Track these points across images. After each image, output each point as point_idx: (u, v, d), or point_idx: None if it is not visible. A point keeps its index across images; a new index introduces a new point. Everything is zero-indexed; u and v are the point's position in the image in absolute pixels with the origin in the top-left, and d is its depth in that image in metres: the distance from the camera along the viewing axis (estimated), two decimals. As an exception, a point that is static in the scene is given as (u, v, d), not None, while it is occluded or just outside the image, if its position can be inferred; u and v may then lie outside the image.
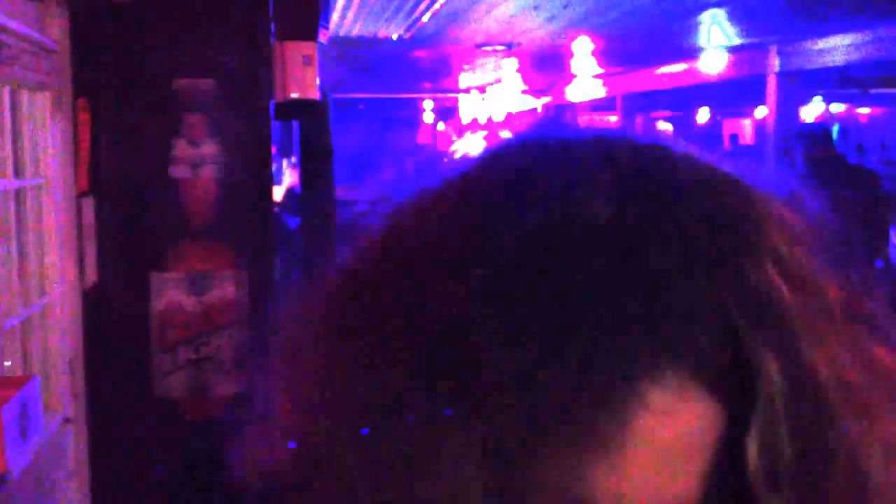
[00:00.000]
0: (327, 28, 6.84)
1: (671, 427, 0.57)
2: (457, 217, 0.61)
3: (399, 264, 0.61)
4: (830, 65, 9.68)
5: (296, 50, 3.92)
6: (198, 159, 3.77)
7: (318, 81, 4.20)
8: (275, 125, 4.14)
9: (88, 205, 3.46)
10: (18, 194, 2.98)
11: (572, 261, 0.56)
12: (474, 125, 17.62)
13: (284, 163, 8.94)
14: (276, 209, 4.37)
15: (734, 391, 0.57)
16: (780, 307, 0.57)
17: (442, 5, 7.26)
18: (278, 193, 6.12)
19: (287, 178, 8.36)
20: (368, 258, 0.65)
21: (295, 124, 5.32)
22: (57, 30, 3.15)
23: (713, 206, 0.59)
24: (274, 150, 4.28)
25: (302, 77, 3.96)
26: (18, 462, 2.29)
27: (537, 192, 0.60)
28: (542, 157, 0.63)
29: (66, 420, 3.21)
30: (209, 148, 3.78)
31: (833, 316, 0.60)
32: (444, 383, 0.56)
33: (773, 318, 0.57)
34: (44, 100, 3.12)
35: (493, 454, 0.56)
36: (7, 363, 2.78)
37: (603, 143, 0.64)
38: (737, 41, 9.57)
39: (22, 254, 2.99)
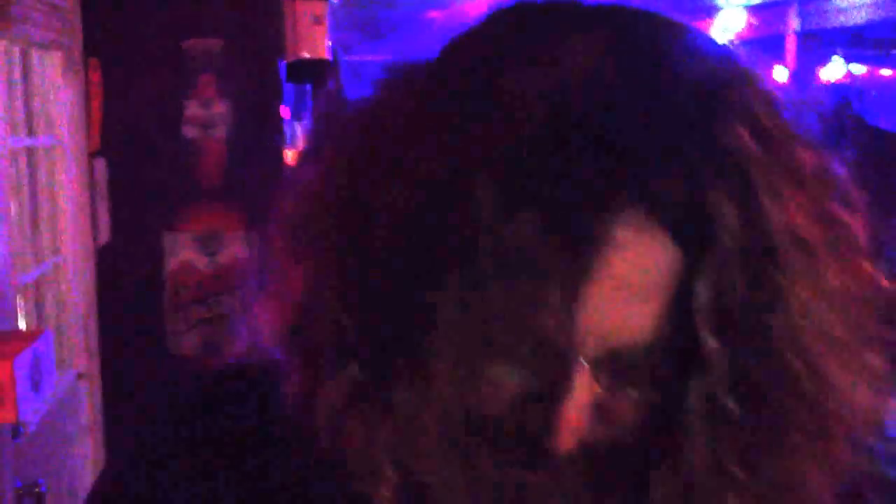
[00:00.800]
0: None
1: (630, 262, 0.60)
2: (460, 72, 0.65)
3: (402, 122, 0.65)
4: (851, 24, 9.58)
5: (306, 9, 3.92)
6: (209, 119, 3.79)
7: (328, 42, 4.21)
8: (288, 88, 4.15)
9: (101, 165, 3.49)
10: (31, 153, 3.02)
11: (554, 108, 0.60)
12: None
13: (297, 126, 8.93)
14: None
15: (692, 237, 0.60)
16: (744, 161, 0.60)
17: (456, -35, 7.20)
18: (292, 157, 6.13)
19: (300, 142, 8.36)
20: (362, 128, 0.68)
21: (308, 88, 5.32)
22: (67, -11, 3.17)
23: (694, 67, 0.63)
24: (288, 113, 4.29)
25: (312, 37, 3.97)
26: (31, 414, 2.34)
27: (535, 44, 0.64)
28: (542, 15, 0.67)
29: (80, 376, 3.27)
30: (220, 108, 3.80)
31: (799, 176, 0.63)
32: (432, 237, 0.60)
33: (736, 170, 0.60)
34: (55, 60, 3.15)
35: (470, 294, 0.59)
36: (21, 320, 2.84)
37: (604, 6, 0.67)
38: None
39: (35, 212, 3.03)
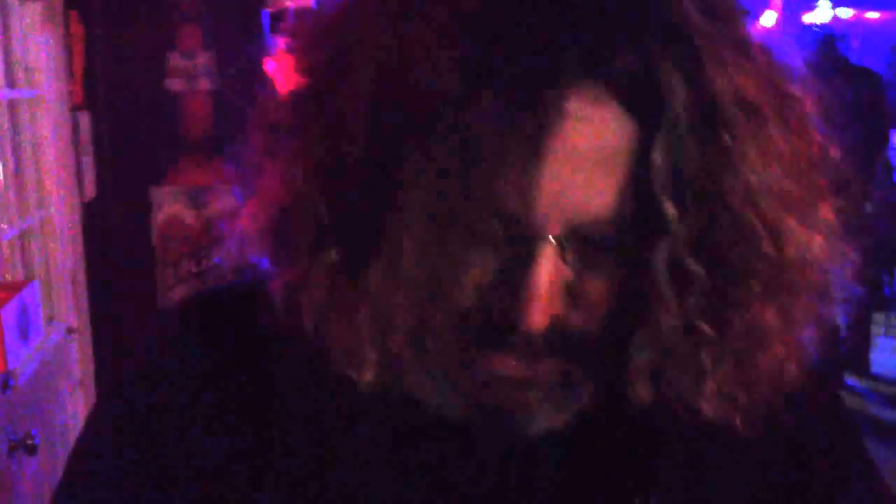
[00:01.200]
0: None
1: (587, 135, 0.63)
2: None
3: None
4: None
5: (288, -43, 3.87)
6: (192, 71, 3.75)
7: (312, -9, 4.16)
8: (272, 40, 4.10)
9: (85, 119, 3.46)
10: (13, 106, 2.98)
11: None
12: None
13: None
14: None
15: (646, 109, 0.63)
16: (690, 32, 0.63)
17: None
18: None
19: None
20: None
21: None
22: (44, -61, 3.12)
23: None
24: (273, 65, 4.24)
25: (294, -15, 3.91)
26: (20, 364, 2.33)
27: None
28: None
29: (70, 330, 3.26)
30: (203, 59, 3.76)
31: (746, 48, 0.66)
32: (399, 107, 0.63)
33: (682, 41, 0.63)
34: (34, 11, 3.10)
35: (434, 173, 0.62)
36: (8, 276, 2.82)
37: None
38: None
39: (18, 166, 3.00)
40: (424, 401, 0.72)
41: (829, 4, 13.16)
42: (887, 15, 15.47)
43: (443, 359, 0.68)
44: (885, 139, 6.16)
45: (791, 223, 0.67)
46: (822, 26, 9.99)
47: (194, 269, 3.94)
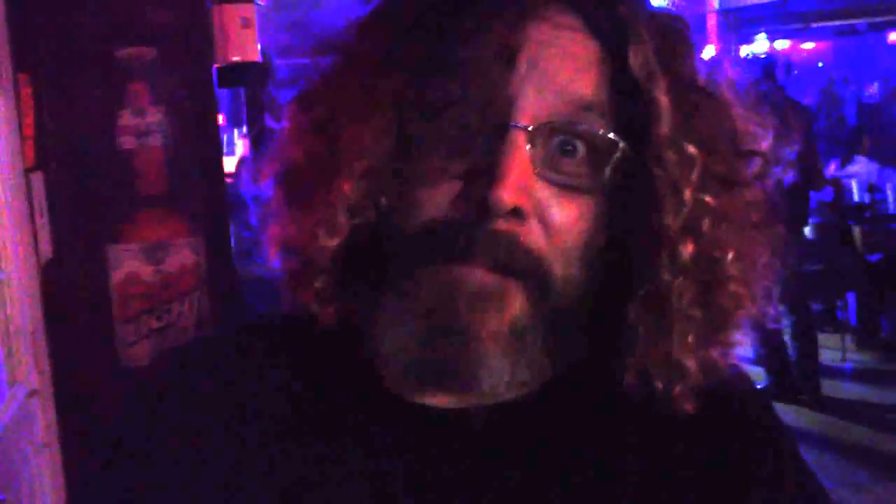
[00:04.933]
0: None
1: (555, 55, 0.72)
2: None
3: None
4: None
5: (233, 13, 3.92)
6: (144, 128, 3.77)
7: (258, 45, 4.20)
8: (223, 94, 4.14)
9: (38, 180, 3.46)
10: (-34, 171, 2.99)
11: None
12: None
13: (236, 133, 8.91)
14: (229, 180, 4.37)
15: (608, 30, 0.73)
16: None
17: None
18: (230, 164, 6.10)
19: (239, 149, 8.34)
20: None
21: (242, 92, 5.31)
22: (-9, 5, 3.14)
23: None
24: (224, 120, 4.28)
25: (241, 40, 3.96)
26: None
27: None
28: None
29: (33, 392, 3.24)
30: (154, 116, 3.78)
31: None
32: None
33: None
34: (-16, 76, 3.11)
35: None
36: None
37: None
38: (675, -18, 9.60)
39: (-26, 230, 3.00)
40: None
41: (765, 36, 13.46)
42: (821, 45, 15.84)
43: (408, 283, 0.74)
44: (818, 171, 6.35)
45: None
46: (761, 57, 10.23)
47: (155, 326, 3.93)
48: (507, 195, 0.69)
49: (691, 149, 0.73)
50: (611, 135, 0.72)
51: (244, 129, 8.45)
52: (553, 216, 0.72)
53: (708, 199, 0.74)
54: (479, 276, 0.71)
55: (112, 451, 0.86)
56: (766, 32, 13.11)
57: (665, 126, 0.73)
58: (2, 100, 3.19)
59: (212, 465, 0.79)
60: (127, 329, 3.82)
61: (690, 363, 0.75)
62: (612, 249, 0.76)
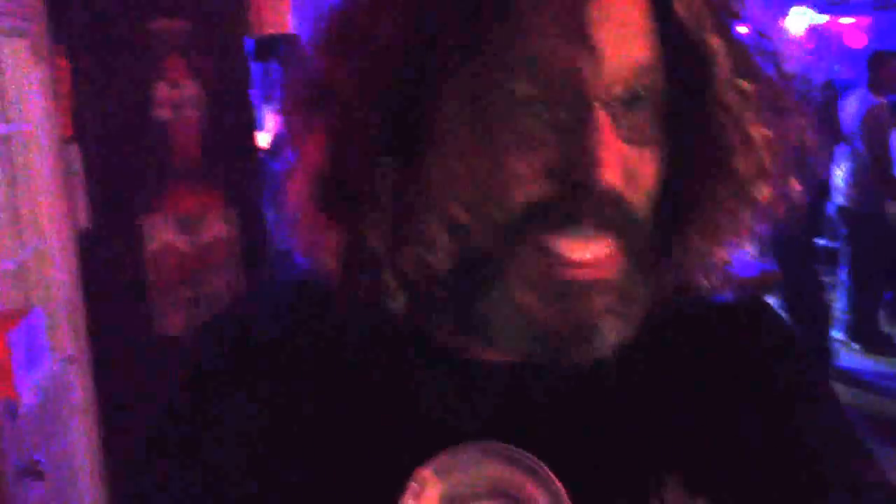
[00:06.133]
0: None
1: (612, 24, 0.73)
2: None
3: None
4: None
5: (268, -15, 3.94)
6: (179, 101, 3.81)
7: (291, 18, 4.22)
8: (256, 69, 4.16)
9: (75, 150, 3.51)
10: (5, 141, 3.04)
11: None
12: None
13: (266, 109, 8.91)
14: (262, 155, 4.39)
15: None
16: None
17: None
18: (264, 140, 6.11)
19: (271, 124, 8.35)
20: None
21: (275, 66, 5.32)
22: (29, -24, 3.18)
23: None
24: (256, 95, 4.30)
25: (276, 12, 3.98)
26: (27, 391, 2.37)
27: None
28: None
29: (70, 359, 3.30)
30: (190, 89, 3.82)
31: None
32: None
33: None
34: (21, 48, 3.16)
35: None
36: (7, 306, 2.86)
37: None
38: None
39: (14, 199, 3.05)
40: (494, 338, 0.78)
41: (804, 9, 13.28)
42: (862, 20, 15.57)
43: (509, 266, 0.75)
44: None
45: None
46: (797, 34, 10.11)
47: (190, 296, 3.98)
48: (608, 174, 0.72)
49: (749, 87, 0.77)
50: (668, 88, 0.76)
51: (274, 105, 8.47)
52: (637, 171, 0.76)
53: (769, 132, 0.79)
54: (586, 242, 0.74)
55: (165, 444, 0.87)
56: (805, 6, 12.92)
57: (723, 70, 0.76)
58: (39, 72, 3.24)
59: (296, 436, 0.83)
60: (162, 298, 3.88)
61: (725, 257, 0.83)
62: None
